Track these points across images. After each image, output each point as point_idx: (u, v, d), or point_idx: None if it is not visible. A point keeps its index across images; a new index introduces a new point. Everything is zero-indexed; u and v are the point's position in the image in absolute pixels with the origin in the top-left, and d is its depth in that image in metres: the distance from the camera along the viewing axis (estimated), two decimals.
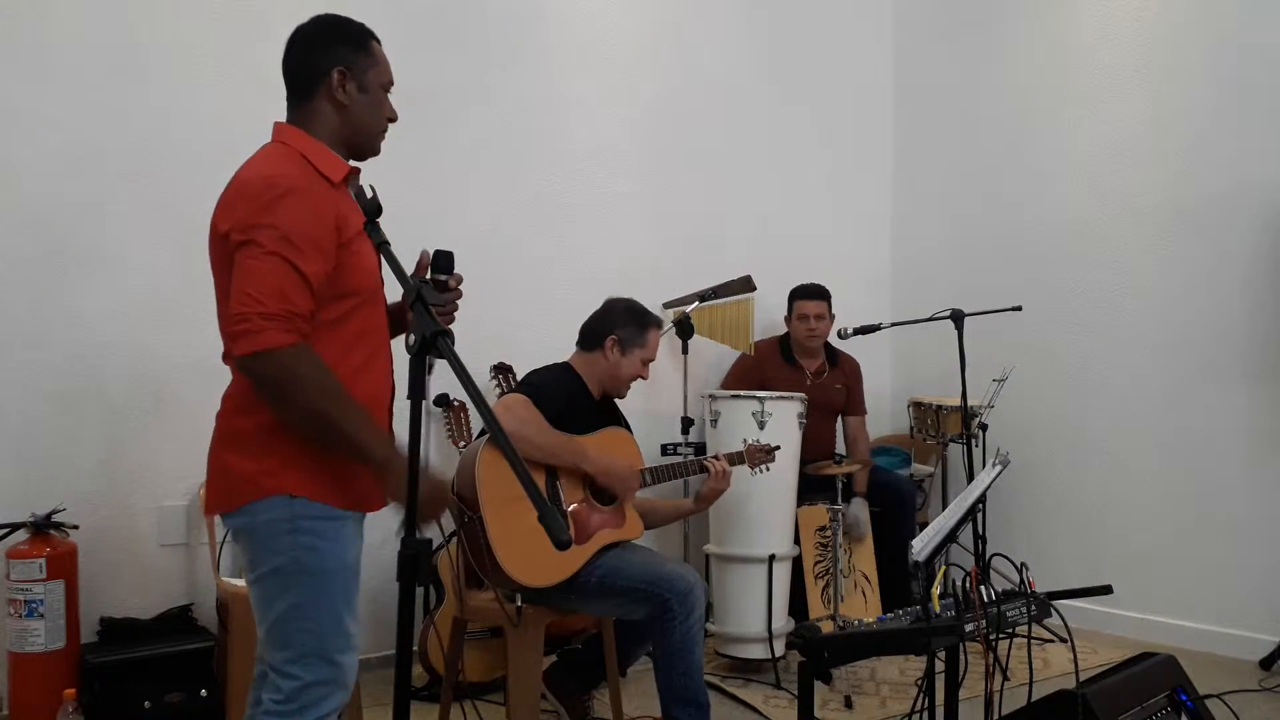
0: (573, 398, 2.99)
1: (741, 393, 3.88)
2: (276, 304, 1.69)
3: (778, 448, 3.42)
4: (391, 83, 2.02)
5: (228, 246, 1.77)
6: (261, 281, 1.70)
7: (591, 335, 3.09)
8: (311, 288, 1.75)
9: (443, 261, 2.01)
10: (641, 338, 3.08)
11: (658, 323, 3.17)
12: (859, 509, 4.12)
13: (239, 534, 1.87)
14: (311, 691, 1.81)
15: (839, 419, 4.56)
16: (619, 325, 3.06)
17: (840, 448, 4.58)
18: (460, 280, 2.03)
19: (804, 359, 4.43)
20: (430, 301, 1.48)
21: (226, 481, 1.84)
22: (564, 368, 3.08)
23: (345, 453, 1.78)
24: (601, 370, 3.07)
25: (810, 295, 4.36)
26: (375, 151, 2.03)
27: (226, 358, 1.87)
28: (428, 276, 2.00)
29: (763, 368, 4.37)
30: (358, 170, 1.96)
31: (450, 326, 1.95)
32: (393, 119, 2.03)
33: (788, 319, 4.45)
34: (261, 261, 1.71)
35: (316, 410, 1.72)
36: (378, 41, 2.01)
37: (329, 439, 1.76)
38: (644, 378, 3.14)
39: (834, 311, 4.40)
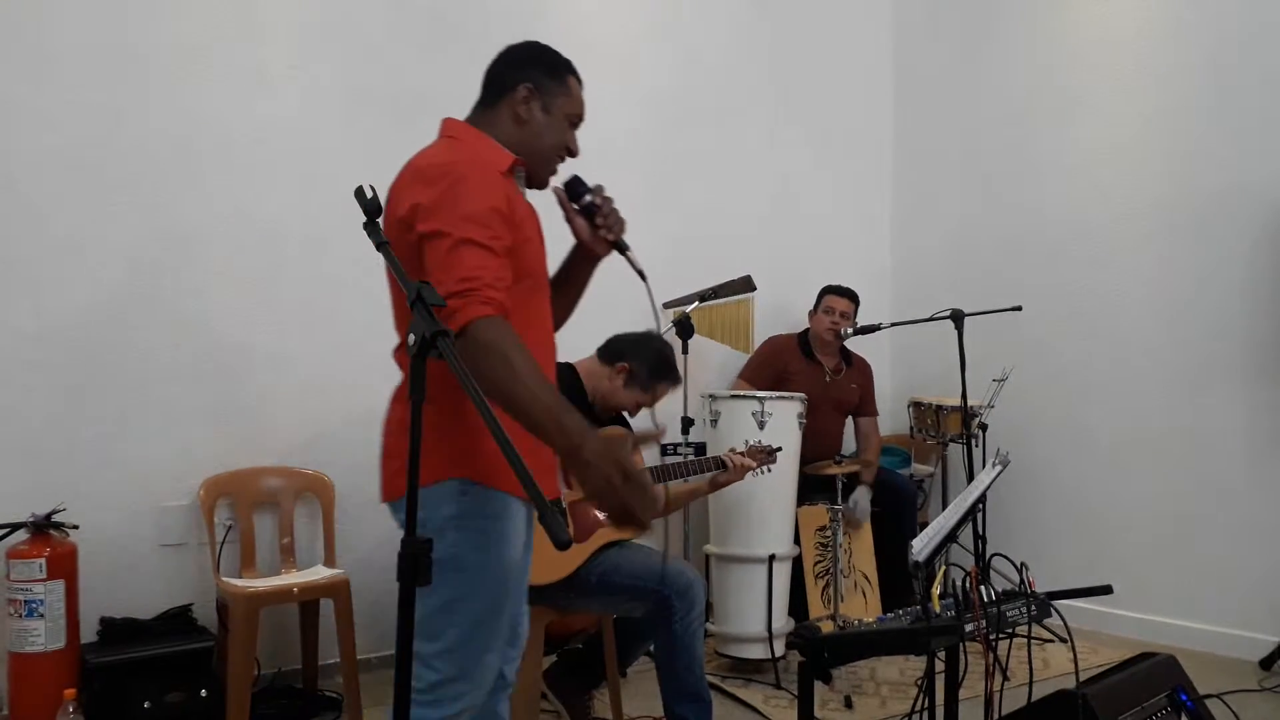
0: (567, 396, 2.99)
1: (741, 393, 3.91)
2: (467, 284, 1.69)
3: (779, 449, 3.42)
4: (580, 117, 2.02)
5: (409, 234, 1.77)
6: (455, 269, 1.70)
7: (612, 352, 3.10)
8: (503, 258, 1.75)
9: (577, 189, 2.00)
10: (650, 384, 3.08)
11: (675, 381, 3.16)
12: (861, 495, 4.18)
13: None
14: (447, 688, 1.81)
15: (847, 419, 4.61)
16: (638, 360, 3.07)
17: (845, 447, 4.60)
18: (602, 189, 2.02)
19: (823, 356, 4.49)
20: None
21: (396, 466, 1.84)
22: (566, 367, 3.08)
23: (537, 435, 1.68)
24: (603, 387, 3.09)
25: (842, 293, 4.51)
26: (543, 181, 2.01)
27: (397, 354, 1.89)
28: (576, 208, 2.00)
29: (783, 359, 4.44)
30: (522, 162, 1.96)
31: (625, 236, 1.99)
32: (573, 153, 2.02)
33: (812, 313, 4.53)
34: (452, 249, 1.71)
35: (502, 382, 1.65)
36: (577, 79, 2.03)
37: (518, 416, 1.66)
38: (633, 416, 3.16)
39: (857, 321, 4.47)
